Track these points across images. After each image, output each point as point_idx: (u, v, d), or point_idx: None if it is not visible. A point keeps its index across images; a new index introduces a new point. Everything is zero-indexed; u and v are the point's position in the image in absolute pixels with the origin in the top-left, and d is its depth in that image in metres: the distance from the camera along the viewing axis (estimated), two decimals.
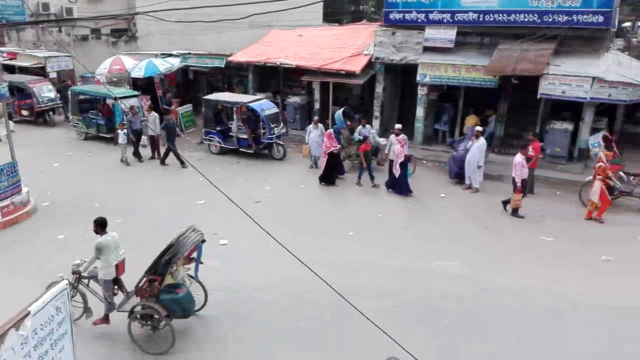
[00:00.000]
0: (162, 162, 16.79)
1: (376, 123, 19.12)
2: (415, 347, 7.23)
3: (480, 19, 16.39)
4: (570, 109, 16.46)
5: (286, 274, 9.40)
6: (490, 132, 17.38)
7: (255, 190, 14.34)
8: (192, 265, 8.22)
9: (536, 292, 9.26)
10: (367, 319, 4.75)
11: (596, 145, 13.63)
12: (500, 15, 16.03)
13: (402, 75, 19.78)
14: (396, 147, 13.98)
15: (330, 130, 15.05)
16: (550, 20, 15.31)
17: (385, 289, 9.31)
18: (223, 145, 17.86)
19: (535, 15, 15.50)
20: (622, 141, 16.66)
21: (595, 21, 14.77)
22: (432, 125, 19.15)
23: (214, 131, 17.90)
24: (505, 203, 13.01)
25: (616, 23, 16.19)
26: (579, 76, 14.58)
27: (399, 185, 14.14)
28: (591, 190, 12.53)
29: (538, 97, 15.43)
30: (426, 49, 17.48)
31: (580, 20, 14.91)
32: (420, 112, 18.19)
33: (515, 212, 12.76)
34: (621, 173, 13.48)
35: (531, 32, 15.61)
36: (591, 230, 12.04)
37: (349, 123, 16.77)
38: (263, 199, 13.74)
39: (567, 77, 14.70)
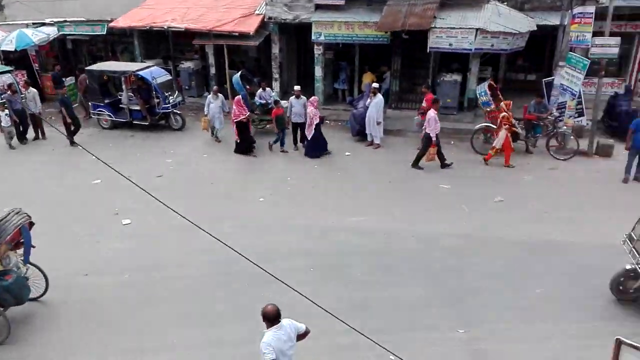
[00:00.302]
0: (72, 142, 15.16)
1: (276, 85, 18.87)
2: (330, 302, 7.45)
3: None
4: (458, 61, 17.30)
5: (198, 247, 9.18)
6: (387, 88, 17.85)
7: (156, 165, 13.69)
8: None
9: (439, 235, 9.86)
10: (279, 280, 4.75)
11: (483, 94, 14.51)
12: None
13: (298, 35, 19.58)
14: (309, 108, 13.93)
15: (239, 97, 14.34)
16: None
17: (299, 250, 9.43)
18: (114, 119, 16.72)
19: None
20: (506, 89, 17.86)
21: None
22: (332, 84, 19.28)
23: (102, 104, 16.65)
24: (417, 162, 13.26)
25: None
26: (463, 28, 15.27)
27: (317, 147, 14.20)
28: (496, 136, 13.33)
29: (428, 50, 16.01)
30: (318, 7, 17.36)
31: None
32: (318, 71, 18.19)
33: (443, 164, 13.21)
34: None
35: None
36: (483, 175, 12.95)
37: (248, 87, 16.38)
38: (165, 173, 13.17)
39: (453, 29, 15.34)
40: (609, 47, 13.22)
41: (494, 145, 13.38)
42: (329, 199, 11.64)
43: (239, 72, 16.35)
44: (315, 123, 13.86)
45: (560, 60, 14.63)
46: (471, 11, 15.85)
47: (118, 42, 21.80)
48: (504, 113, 13.23)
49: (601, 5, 13.90)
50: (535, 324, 7.48)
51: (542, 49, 18.79)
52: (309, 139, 14.13)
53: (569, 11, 14.13)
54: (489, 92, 14.38)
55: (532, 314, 7.70)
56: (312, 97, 14.42)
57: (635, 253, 7.48)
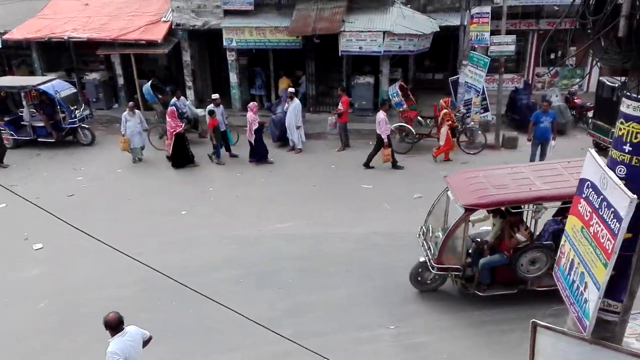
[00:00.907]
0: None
1: (190, 93, 18.40)
2: (263, 310, 7.36)
3: None
4: (369, 63, 17.79)
5: (118, 267, 8.70)
6: (303, 92, 17.99)
7: (67, 183, 12.90)
8: None
9: (365, 235, 10.08)
10: (202, 294, 4.63)
11: (395, 95, 15.01)
12: None
13: (210, 41, 19.23)
14: (248, 114, 13.77)
15: (173, 108, 13.81)
16: None
17: (227, 261, 9.26)
18: (17, 137, 15.53)
19: None
20: (416, 88, 18.62)
21: None
22: (248, 90, 19.10)
23: (1, 122, 15.42)
24: (368, 162, 13.59)
25: None
26: (371, 31, 15.72)
27: (260, 153, 14.09)
28: (439, 134, 13.91)
29: (340, 54, 16.33)
30: (227, 13, 17.15)
31: None
32: (233, 78, 17.97)
33: (394, 164, 13.49)
34: (419, 117, 15.16)
35: None
36: (402, 173, 13.38)
37: (160, 96, 15.84)
38: (77, 191, 12.42)
39: (362, 33, 15.75)
40: (506, 44, 14.18)
41: (439, 143, 13.93)
42: (254, 207, 11.52)
43: (150, 82, 15.77)
44: (254, 129, 13.74)
45: (464, 59, 15.49)
46: (377, 14, 16.36)
47: (14, 55, 20.28)
48: (445, 110, 13.78)
49: (496, 5, 14.93)
50: (461, 313, 7.85)
51: (446, 49, 19.77)
52: (252, 144, 13.99)
53: (468, 12, 14.98)
54: (400, 93, 14.91)
55: (460, 303, 8.07)
56: (251, 103, 14.29)
57: (426, 246, 8.17)
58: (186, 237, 10.11)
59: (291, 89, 15.30)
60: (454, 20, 17.09)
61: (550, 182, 7.60)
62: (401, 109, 14.95)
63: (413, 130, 14.53)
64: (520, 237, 7.65)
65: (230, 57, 17.65)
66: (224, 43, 17.21)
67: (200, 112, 14.98)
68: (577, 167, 7.34)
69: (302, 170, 13.64)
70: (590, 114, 15.00)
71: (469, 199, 7.52)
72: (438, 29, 16.76)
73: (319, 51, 17.16)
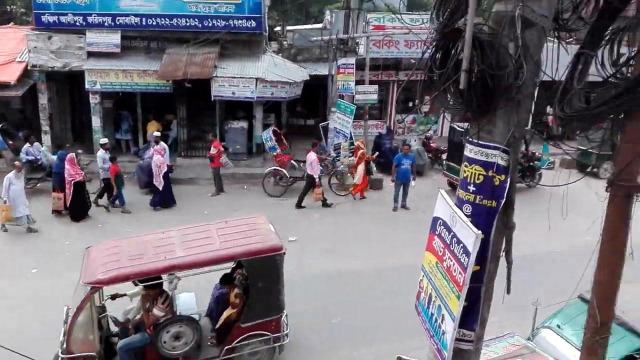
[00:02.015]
0: None
1: (47, 139, 16.89)
2: None
3: (144, 22, 16.22)
4: (243, 108, 17.92)
5: None
6: (174, 137, 17.49)
7: None
8: None
9: None
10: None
11: (268, 139, 15.23)
12: (163, 19, 16.20)
13: (71, 83, 18.02)
14: (157, 157, 13.14)
15: (72, 155, 12.57)
16: (210, 24, 16.30)
17: None
18: None
19: (196, 20, 16.27)
20: (289, 133, 19.06)
21: (249, 26, 16.43)
22: (113, 135, 18.06)
23: None
24: (300, 203, 13.71)
25: (267, 27, 18.31)
26: (244, 77, 15.94)
27: (165, 199, 13.49)
28: (355, 173, 14.42)
29: (212, 99, 16.25)
30: (91, 54, 16.32)
31: (237, 25, 16.36)
32: (96, 122, 16.91)
33: (324, 203, 13.81)
34: (292, 161, 15.47)
35: (195, 37, 16.27)
36: (275, 216, 13.34)
37: (11, 142, 14.35)
38: None
39: (234, 79, 15.89)
40: (370, 93, 15.22)
41: (354, 182, 14.52)
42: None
43: None
44: (162, 172, 13.17)
45: (332, 106, 16.28)
46: (250, 61, 16.67)
47: None
48: (362, 150, 14.43)
49: (360, 57, 16.02)
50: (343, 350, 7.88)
51: (317, 96, 20.66)
52: (159, 189, 13.35)
53: (335, 62, 15.88)
54: (274, 138, 15.16)
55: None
56: (158, 146, 13.64)
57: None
58: (37, 298, 9.03)
59: (157, 133, 14.79)
60: (322, 70, 17.97)
61: (193, 248, 7.02)
62: (275, 153, 15.16)
63: (287, 174, 14.76)
64: (157, 312, 6.83)
65: (94, 100, 16.66)
66: (87, 86, 16.25)
67: (54, 158, 13.62)
68: (233, 226, 7.52)
69: (169, 219, 12.96)
70: (444, 156, 16.47)
71: (92, 275, 6.49)
72: (308, 78, 17.47)
73: (191, 95, 16.91)
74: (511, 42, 3.01)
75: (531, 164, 15.30)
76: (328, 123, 16.76)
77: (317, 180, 13.70)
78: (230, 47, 16.90)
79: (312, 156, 13.68)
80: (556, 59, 3.33)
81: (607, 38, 3.14)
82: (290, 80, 16.38)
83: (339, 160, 15.60)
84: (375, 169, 15.29)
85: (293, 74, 16.86)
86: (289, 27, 25.60)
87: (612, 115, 3.16)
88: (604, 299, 3.59)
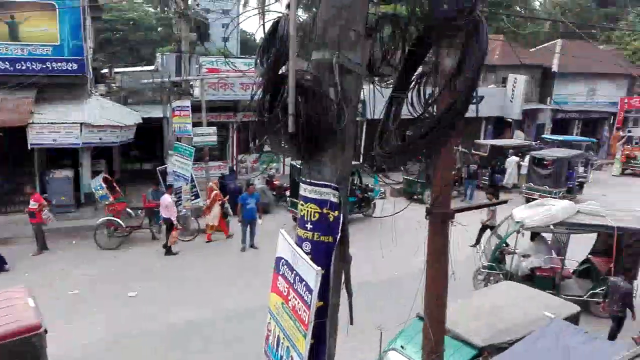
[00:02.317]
0: None
1: None
2: None
3: None
4: (68, 155, 16.38)
5: None
6: None
7: None
8: None
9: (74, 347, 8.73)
10: None
11: (99, 188, 14.02)
12: None
13: None
14: None
15: None
16: (24, 68, 14.81)
17: None
18: None
19: (7, 63, 14.69)
20: (124, 179, 17.89)
21: (71, 68, 15.26)
22: None
23: None
24: (167, 246, 13.19)
25: (91, 70, 17.18)
26: (66, 123, 14.61)
27: None
28: (210, 215, 14.19)
29: (29, 147, 14.58)
30: None
31: (56, 68, 15.09)
32: None
33: (169, 250, 13.22)
34: (128, 210, 14.48)
35: (7, 81, 14.61)
36: (115, 269, 12.33)
37: None
38: None
39: (55, 124, 14.49)
40: (209, 135, 15.04)
41: (209, 223, 14.33)
42: None
43: None
44: None
45: (170, 149, 15.71)
46: (74, 105, 15.41)
47: None
48: (216, 191, 14.27)
49: (196, 99, 15.80)
50: None
51: (153, 139, 19.81)
52: None
53: (169, 105, 15.43)
54: (104, 186, 14.04)
55: None
56: None
57: None
58: None
59: None
60: (156, 113, 17.35)
61: None
62: (107, 202, 14.02)
63: (122, 224, 13.75)
64: None
65: None
66: None
67: None
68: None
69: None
70: (288, 193, 16.85)
71: None
72: (141, 121, 16.70)
73: (3, 145, 14.96)
74: (331, 88, 3.18)
75: (366, 195, 16.39)
76: (166, 167, 16.12)
77: (175, 222, 13.30)
78: (50, 91, 15.44)
79: (167, 199, 13.31)
80: (377, 101, 3.61)
81: (414, 82, 3.49)
82: (121, 124, 15.46)
83: (180, 204, 15.01)
84: (230, 210, 15.05)
85: (124, 118, 15.96)
86: (117, 69, 24.36)
87: (424, 150, 3.50)
88: (434, 319, 3.90)
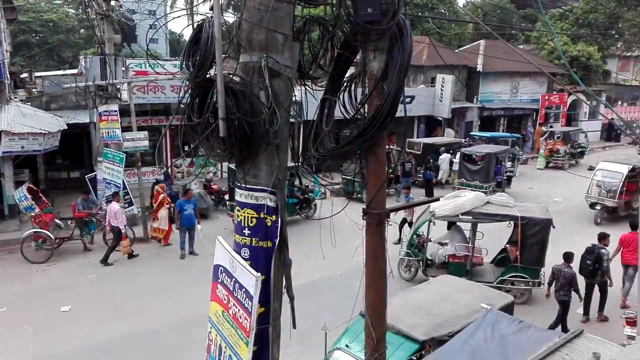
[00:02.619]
0: None
1: None
2: None
3: None
4: None
5: None
6: None
7: None
8: None
9: None
10: None
11: (23, 198, 13.18)
12: None
13: None
14: None
15: None
16: None
17: None
18: None
19: None
20: (50, 189, 16.93)
21: None
22: None
23: None
24: (106, 259, 12.72)
25: (8, 74, 16.13)
26: None
27: None
28: (157, 219, 14.06)
29: None
30: None
31: None
32: None
33: (131, 255, 13.09)
34: (57, 220, 13.72)
35: None
36: (44, 284, 11.65)
37: None
38: None
39: None
40: (139, 140, 14.50)
41: (158, 227, 14.18)
42: None
43: None
44: None
45: (99, 156, 15.03)
46: None
47: None
48: (163, 194, 14.09)
49: (124, 103, 15.20)
50: None
51: (80, 146, 18.88)
52: None
53: (95, 110, 14.75)
54: (29, 196, 13.22)
55: None
56: None
57: None
58: None
59: None
60: (82, 118, 16.55)
61: None
62: (33, 214, 13.20)
63: (51, 235, 13.01)
64: None
65: None
66: None
67: None
68: None
69: None
70: (227, 197, 16.57)
71: None
72: (66, 127, 15.87)
73: None
74: (262, 91, 3.14)
75: (306, 196, 16.42)
76: (96, 174, 15.41)
77: (123, 231, 12.88)
78: None
79: (114, 207, 12.84)
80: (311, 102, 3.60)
81: (344, 84, 3.52)
82: (44, 131, 14.58)
83: None
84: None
85: (46, 124, 15.07)
86: (38, 74, 23.03)
87: (358, 151, 3.54)
88: (375, 317, 3.94)
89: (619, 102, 35.97)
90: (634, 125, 33.43)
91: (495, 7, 38.55)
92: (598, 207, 16.47)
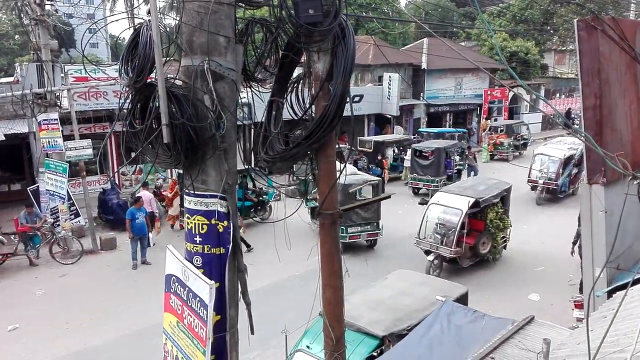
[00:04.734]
0: None
1: None
2: None
3: None
4: None
5: None
6: None
7: None
8: None
9: None
10: None
11: None
12: None
13: None
14: None
15: None
16: None
17: None
18: None
19: None
20: None
21: None
22: None
23: None
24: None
25: None
26: None
27: None
28: (172, 207, 15.47)
29: None
30: None
31: None
32: None
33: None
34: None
35: None
36: None
37: None
38: None
39: None
40: (83, 148, 13.99)
41: (170, 214, 15.60)
42: None
43: None
44: None
45: (40, 167, 14.40)
46: None
47: None
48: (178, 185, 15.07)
49: (65, 111, 14.60)
50: None
51: (19, 157, 18.02)
52: None
53: (34, 119, 14.10)
54: None
55: None
56: None
57: None
58: None
59: None
60: (21, 128, 15.81)
61: None
62: None
63: None
64: None
65: None
66: None
67: None
68: None
69: None
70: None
71: None
72: (4, 138, 15.12)
73: None
74: (206, 95, 3.07)
75: (260, 198, 16.29)
76: (38, 186, 14.73)
77: (156, 215, 14.32)
78: None
79: (147, 194, 14.45)
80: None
81: (291, 86, 3.50)
82: None
83: (58, 225, 13.80)
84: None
85: None
86: None
87: (308, 153, 3.53)
88: (333, 317, 3.94)
89: (557, 95, 37.64)
90: (573, 116, 35.03)
91: (436, 6, 39.52)
92: (539, 190, 17.91)
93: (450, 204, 11.90)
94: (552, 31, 36.92)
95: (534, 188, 18.16)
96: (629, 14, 35.03)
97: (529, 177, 18.13)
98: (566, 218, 14.37)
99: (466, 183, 13.71)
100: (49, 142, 13.50)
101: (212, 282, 3.45)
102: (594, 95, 6.11)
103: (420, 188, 19.73)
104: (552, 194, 18.00)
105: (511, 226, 12.77)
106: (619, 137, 6.53)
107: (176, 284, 3.86)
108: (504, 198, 12.81)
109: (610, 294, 5.81)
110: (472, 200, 11.56)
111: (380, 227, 13.50)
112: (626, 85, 6.67)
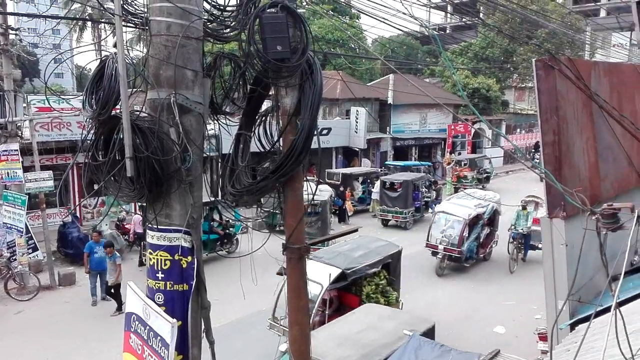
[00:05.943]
0: None
1: None
2: None
3: None
4: None
5: None
6: None
7: None
8: None
9: None
10: None
11: None
12: None
13: None
14: None
15: None
16: None
17: None
18: None
19: None
20: None
21: None
22: None
23: None
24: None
25: None
26: None
27: None
28: None
29: None
30: None
31: None
32: None
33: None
34: None
35: None
36: None
37: None
38: None
39: None
40: (43, 180, 13.59)
41: None
42: None
43: None
44: None
45: None
46: None
47: None
48: None
49: (26, 142, 14.21)
50: None
51: None
52: None
53: None
54: None
55: None
56: None
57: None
58: None
59: None
60: None
61: None
62: None
63: None
64: None
65: None
66: None
67: None
68: None
69: None
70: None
71: None
72: None
73: None
74: (172, 128, 3.04)
75: (227, 231, 16.05)
76: None
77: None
78: None
79: (138, 217, 15.13)
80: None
81: (259, 119, 3.50)
82: None
83: (15, 259, 13.22)
84: None
85: None
86: None
87: (276, 185, 3.51)
88: (300, 355, 3.85)
89: (518, 130, 38.92)
90: (532, 150, 36.18)
91: (400, 44, 40.77)
92: (439, 257, 14.30)
93: (311, 276, 7.43)
94: (512, 69, 38.49)
95: (434, 254, 14.50)
96: (583, 53, 37.04)
97: (427, 240, 14.58)
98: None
99: (343, 246, 10.32)
100: (8, 173, 13.05)
101: (174, 320, 3.35)
102: (552, 132, 6.32)
103: (389, 220, 19.85)
104: (457, 261, 14.32)
105: (401, 301, 10.37)
106: (577, 173, 6.75)
107: (137, 322, 3.72)
108: (388, 265, 10.27)
109: (572, 326, 5.89)
110: (336, 272, 8.85)
111: None
112: (583, 122, 6.94)
